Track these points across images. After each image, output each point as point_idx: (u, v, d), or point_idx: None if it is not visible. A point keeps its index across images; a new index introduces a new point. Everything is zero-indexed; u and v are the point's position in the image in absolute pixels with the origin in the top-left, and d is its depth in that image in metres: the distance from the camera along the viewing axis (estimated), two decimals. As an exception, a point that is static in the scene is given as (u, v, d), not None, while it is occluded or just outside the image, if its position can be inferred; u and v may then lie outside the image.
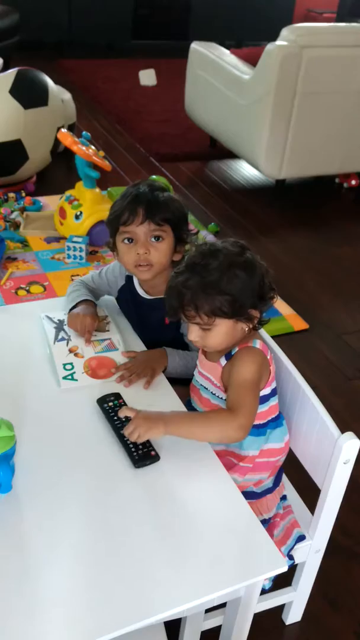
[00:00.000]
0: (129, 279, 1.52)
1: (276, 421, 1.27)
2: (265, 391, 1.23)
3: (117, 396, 1.24)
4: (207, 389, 1.28)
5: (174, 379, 1.38)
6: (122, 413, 1.14)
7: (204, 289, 1.14)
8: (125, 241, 1.40)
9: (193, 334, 1.20)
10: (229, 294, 1.13)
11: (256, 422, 1.23)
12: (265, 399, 1.23)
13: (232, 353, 1.21)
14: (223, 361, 1.22)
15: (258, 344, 1.20)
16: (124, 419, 1.17)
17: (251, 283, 1.16)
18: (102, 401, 1.23)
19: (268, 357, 1.22)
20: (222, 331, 1.17)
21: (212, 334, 1.18)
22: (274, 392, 1.26)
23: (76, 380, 1.31)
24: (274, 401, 1.26)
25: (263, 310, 1.21)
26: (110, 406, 1.22)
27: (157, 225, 1.37)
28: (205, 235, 3.10)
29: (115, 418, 1.18)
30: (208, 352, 1.28)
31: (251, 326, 1.20)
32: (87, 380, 1.31)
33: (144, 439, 1.11)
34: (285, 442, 1.29)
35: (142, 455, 1.11)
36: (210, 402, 1.27)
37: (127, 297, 1.53)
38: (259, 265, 1.19)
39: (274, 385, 1.25)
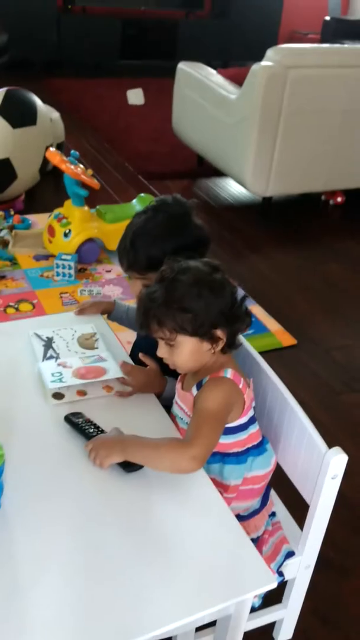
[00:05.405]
0: None
1: (258, 448, 1.26)
2: (242, 420, 1.21)
3: (82, 415, 1.24)
4: (182, 419, 1.26)
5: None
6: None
7: (166, 304, 1.13)
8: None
9: (161, 349, 1.19)
10: (190, 311, 1.12)
11: (234, 450, 1.22)
12: (242, 428, 1.22)
13: (203, 383, 1.18)
14: (194, 391, 1.20)
15: (229, 373, 1.17)
16: (99, 431, 1.18)
17: (216, 303, 1.14)
18: (69, 418, 1.23)
19: (240, 385, 1.19)
20: (187, 349, 1.16)
21: (177, 351, 1.17)
22: (252, 420, 1.24)
23: (65, 381, 1.31)
24: (253, 428, 1.24)
25: (234, 333, 1.19)
26: (80, 421, 1.22)
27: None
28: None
29: (91, 430, 1.19)
30: (184, 382, 1.27)
31: (216, 347, 1.17)
32: (75, 381, 1.31)
33: (106, 466, 1.10)
34: (271, 467, 1.28)
35: (128, 461, 1.11)
36: None
37: None
38: (229, 287, 1.18)
39: (251, 413, 1.23)
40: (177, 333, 1.14)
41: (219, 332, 1.16)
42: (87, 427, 1.20)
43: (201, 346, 1.17)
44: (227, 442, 1.21)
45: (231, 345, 1.20)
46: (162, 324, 1.14)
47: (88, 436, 1.17)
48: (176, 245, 1.30)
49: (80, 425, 1.20)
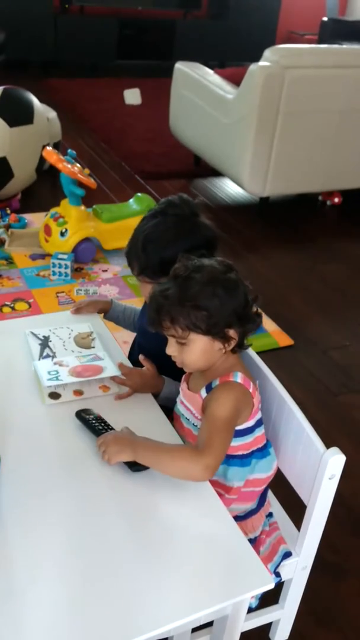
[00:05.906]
0: None
1: (262, 451, 1.25)
2: (249, 423, 1.20)
3: (92, 411, 1.24)
4: (188, 419, 1.26)
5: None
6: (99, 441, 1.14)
7: (180, 302, 1.12)
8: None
9: (171, 347, 1.18)
10: (204, 309, 1.12)
11: (240, 453, 1.22)
12: (249, 431, 1.21)
13: (213, 386, 1.18)
14: (204, 393, 1.19)
15: (239, 377, 1.17)
16: (109, 428, 1.18)
17: (230, 302, 1.14)
18: (80, 414, 1.23)
19: (250, 390, 1.18)
20: (198, 348, 1.15)
21: (188, 349, 1.16)
22: (259, 423, 1.23)
23: (61, 379, 1.30)
24: (259, 432, 1.23)
25: (245, 333, 1.19)
26: (91, 417, 1.22)
27: None
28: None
29: (100, 427, 1.18)
30: (190, 382, 1.26)
31: (228, 347, 1.17)
32: (72, 379, 1.30)
33: (114, 462, 1.10)
34: (272, 471, 1.28)
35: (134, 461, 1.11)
36: (192, 434, 1.24)
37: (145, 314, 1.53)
38: (243, 286, 1.17)
39: (258, 416, 1.23)
40: (190, 331, 1.14)
41: (232, 332, 1.16)
42: (97, 424, 1.20)
43: (213, 345, 1.16)
44: (234, 445, 1.20)
45: (241, 345, 1.20)
46: (175, 321, 1.13)
47: (98, 433, 1.17)
48: (187, 247, 1.28)
49: (90, 422, 1.20)
